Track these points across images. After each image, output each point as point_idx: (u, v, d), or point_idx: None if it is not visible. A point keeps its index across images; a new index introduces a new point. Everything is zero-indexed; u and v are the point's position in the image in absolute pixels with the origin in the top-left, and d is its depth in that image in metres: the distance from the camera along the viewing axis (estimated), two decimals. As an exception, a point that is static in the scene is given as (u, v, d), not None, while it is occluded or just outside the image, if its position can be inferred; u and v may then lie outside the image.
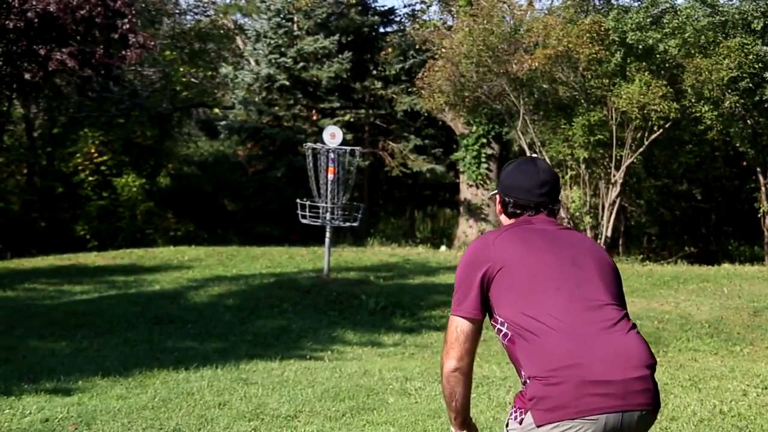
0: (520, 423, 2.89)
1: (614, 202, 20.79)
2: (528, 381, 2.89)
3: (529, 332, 2.89)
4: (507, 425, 2.99)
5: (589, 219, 20.89)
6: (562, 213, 21.33)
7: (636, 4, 21.05)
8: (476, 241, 3.16)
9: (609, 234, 20.75)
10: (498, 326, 3.03)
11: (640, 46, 19.57)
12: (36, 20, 17.02)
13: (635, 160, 21.19)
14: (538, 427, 2.82)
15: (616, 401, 2.79)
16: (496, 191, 3.33)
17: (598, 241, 20.52)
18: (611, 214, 20.72)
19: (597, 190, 21.44)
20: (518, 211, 3.22)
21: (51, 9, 16.99)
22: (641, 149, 20.62)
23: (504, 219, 3.28)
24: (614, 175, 20.63)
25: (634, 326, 2.98)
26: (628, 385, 2.81)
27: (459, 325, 3.09)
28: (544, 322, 2.88)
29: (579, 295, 2.95)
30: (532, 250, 3.04)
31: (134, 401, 6.95)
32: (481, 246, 3.10)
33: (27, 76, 18.17)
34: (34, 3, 16.94)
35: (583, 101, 20.50)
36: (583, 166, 21.15)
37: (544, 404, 2.81)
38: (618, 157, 20.55)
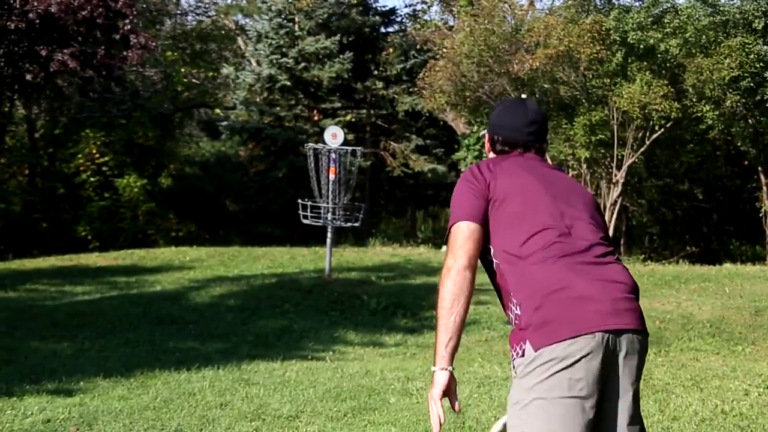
0: (523, 355, 2.89)
1: (616, 201, 20.80)
2: (519, 311, 2.92)
3: (519, 259, 2.97)
4: (513, 367, 2.96)
5: (591, 219, 20.90)
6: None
7: (637, 3, 21.06)
8: (476, 165, 3.19)
9: (610, 234, 20.73)
10: (489, 257, 3.08)
11: (641, 46, 19.58)
12: (37, 21, 17.03)
13: (636, 160, 21.18)
14: (537, 351, 2.85)
15: (608, 319, 2.86)
16: (485, 131, 3.38)
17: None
18: (613, 213, 20.72)
19: (598, 190, 21.45)
20: (507, 149, 3.28)
21: (52, 10, 16.99)
22: (642, 149, 20.62)
23: (492, 156, 3.35)
24: (616, 175, 20.63)
25: (620, 260, 3.07)
26: (616, 304, 2.89)
27: (467, 225, 3.04)
28: (535, 251, 2.96)
29: (572, 231, 3.03)
30: (528, 182, 3.11)
31: (136, 402, 6.94)
32: (483, 167, 3.16)
33: (28, 77, 18.18)
34: (35, 4, 16.94)
35: (584, 101, 20.50)
36: (584, 166, 21.15)
37: (540, 329, 2.85)
38: (619, 157, 20.56)
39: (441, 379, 2.99)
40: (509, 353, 3.00)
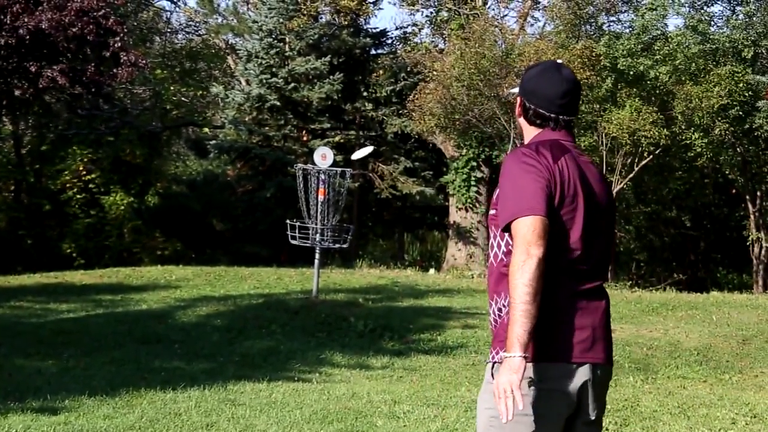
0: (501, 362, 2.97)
1: (603, 227, 20.84)
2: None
3: None
4: (492, 367, 3.05)
5: (579, 244, 20.89)
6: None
7: (627, 30, 21.23)
8: (536, 153, 3.12)
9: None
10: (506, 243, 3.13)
11: (631, 72, 19.72)
12: (28, 37, 17.03)
13: (625, 186, 21.28)
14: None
15: (595, 352, 3.12)
16: (516, 90, 3.36)
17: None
18: (600, 239, 20.76)
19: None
20: (539, 121, 3.25)
21: (43, 26, 17.00)
22: (631, 175, 20.72)
23: (523, 123, 3.33)
24: (604, 201, 20.69)
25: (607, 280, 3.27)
26: (600, 336, 3.15)
27: (545, 223, 2.98)
28: (555, 269, 3.02)
29: (590, 258, 3.12)
30: (578, 194, 3.11)
31: (121, 421, 6.93)
32: (547, 160, 3.11)
33: (17, 92, 18.16)
34: (26, 20, 16.95)
35: (573, 126, 20.58)
36: (573, 191, 21.23)
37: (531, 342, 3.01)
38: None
39: (522, 365, 2.90)
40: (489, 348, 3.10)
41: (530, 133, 3.29)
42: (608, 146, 20.18)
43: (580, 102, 18.81)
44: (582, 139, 20.06)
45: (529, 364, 2.95)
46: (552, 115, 3.22)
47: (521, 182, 3.05)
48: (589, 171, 3.21)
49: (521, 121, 3.34)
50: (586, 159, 3.25)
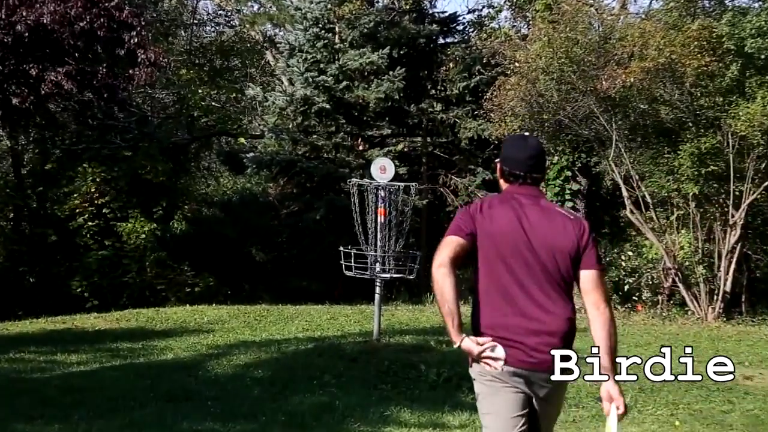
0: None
1: (734, 248, 20.55)
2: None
3: (478, 293, 5.20)
4: None
5: (703, 270, 20.59)
6: (668, 263, 21.11)
7: (756, 4, 20.93)
8: (475, 203, 4.98)
9: (728, 288, 20.46)
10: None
11: (763, 56, 19.42)
12: (26, 34, 17.28)
13: (759, 197, 20.90)
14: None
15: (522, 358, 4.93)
16: (498, 161, 5.10)
17: (715, 297, 20.26)
18: (730, 263, 20.46)
19: (711, 234, 21.19)
20: (511, 179, 5.00)
21: (44, 21, 17.23)
22: (766, 183, 20.35)
23: (502, 182, 5.07)
24: (733, 216, 20.42)
25: (566, 299, 5.25)
26: (531, 345, 4.99)
27: (449, 238, 4.85)
28: (485, 291, 5.17)
29: (521, 281, 5.02)
30: (506, 230, 4.88)
31: (142, 498, 6.89)
32: (476, 207, 4.92)
33: (15, 101, 18.40)
34: (24, 14, 17.19)
35: (691, 124, 20.39)
36: (692, 205, 20.95)
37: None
38: (737, 193, 20.35)
39: (471, 344, 5.06)
40: None
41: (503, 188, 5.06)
42: (735, 148, 19.85)
43: (698, 95, 18.65)
44: (702, 140, 19.79)
45: None
46: (521, 173, 4.97)
47: (451, 225, 4.96)
48: (533, 210, 4.94)
49: (501, 181, 5.07)
50: (539, 202, 5.00)
